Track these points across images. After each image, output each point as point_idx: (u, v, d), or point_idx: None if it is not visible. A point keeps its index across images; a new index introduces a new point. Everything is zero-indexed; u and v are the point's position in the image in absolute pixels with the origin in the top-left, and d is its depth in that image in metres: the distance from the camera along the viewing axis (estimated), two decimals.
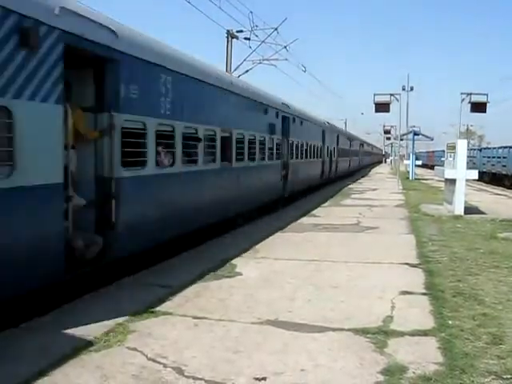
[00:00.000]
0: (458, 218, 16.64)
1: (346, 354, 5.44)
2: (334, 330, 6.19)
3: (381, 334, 5.99)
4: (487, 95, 36.00)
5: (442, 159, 25.70)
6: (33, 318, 6.45)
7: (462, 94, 39.90)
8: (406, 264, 9.81)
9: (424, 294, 7.77)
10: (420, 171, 56.14)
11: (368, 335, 5.97)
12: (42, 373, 4.88)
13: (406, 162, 53.48)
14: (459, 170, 17.46)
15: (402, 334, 6.03)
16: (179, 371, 5.00)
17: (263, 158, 17.59)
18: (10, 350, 5.48)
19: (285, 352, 5.50)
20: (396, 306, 7.15)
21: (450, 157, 19.00)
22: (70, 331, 6.04)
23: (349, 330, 6.17)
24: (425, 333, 6.07)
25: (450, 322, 6.40)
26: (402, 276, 8.93)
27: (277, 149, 19.28)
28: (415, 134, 47.36)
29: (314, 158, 27.79)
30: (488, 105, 35.82)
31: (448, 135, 72.13)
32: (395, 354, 5.41)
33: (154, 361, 5.23)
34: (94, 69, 8.37)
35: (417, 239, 12.59)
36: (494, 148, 48.14)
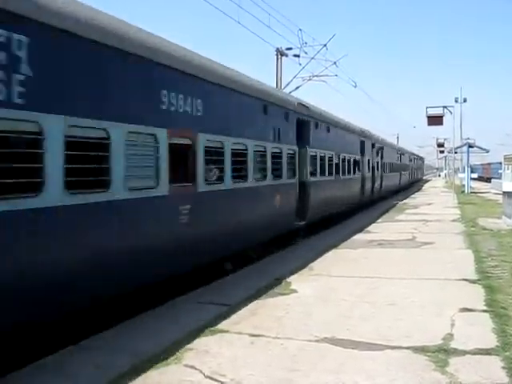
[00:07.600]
0: None
1: (405, 374, 5.32)
2: (392, 348, 6.07)
3: (441, 353, 5.84)
4: None
5: (500, 172, 25.02)
6: (90, 335, 6.59)
7: None
8: (465, 280, 9.55)
9: (485, 311, 7.53)
10: (475, 184, 54.73)
11: (428, 354, 5.82)
12: None
13: (460, 175, 52.31)
14: None
15: (463, 352, 5.86)
16: None
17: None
18: (69, 368, 5.62)
19: (342, 371, 5.42)
20: (456, 323, 6.96)
21: (508, 169, 18.49)
22: (127, 349, 6.15)
23: (407, 348, 6.04)
24: (488, 352, 5.87)
25: None
26: (461, 292, 8.69)
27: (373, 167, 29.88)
28: (470, 146, 46.24)
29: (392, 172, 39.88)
30: None
31: (504, 147, 70.17)
32: (457, 374, 5.26)
33: (211, 378, 5.25)
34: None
35: (475, 254, 12.26)
36: None
